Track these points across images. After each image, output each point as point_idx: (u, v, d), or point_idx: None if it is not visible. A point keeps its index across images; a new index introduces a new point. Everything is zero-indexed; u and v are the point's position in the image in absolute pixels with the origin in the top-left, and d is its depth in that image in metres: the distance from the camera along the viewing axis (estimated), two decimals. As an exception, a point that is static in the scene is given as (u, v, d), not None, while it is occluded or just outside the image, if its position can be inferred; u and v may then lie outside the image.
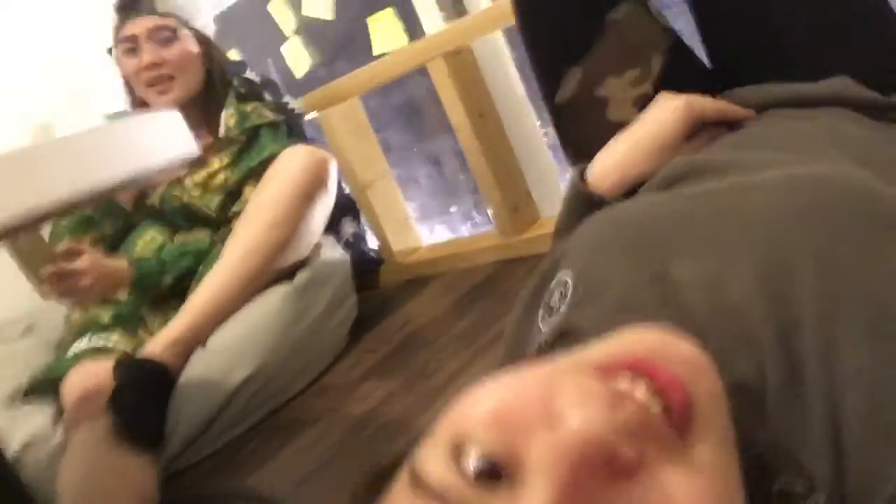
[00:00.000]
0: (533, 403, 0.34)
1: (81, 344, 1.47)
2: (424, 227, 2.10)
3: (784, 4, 0.77)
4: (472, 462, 0.32)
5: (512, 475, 0.32)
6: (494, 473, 0.32)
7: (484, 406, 0.35)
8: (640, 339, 0.37)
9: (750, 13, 0.79)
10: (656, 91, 0.74)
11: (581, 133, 0.84)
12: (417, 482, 0.34)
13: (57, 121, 1.98)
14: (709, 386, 0.35)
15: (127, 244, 1.66)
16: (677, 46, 0.83)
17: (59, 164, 0.51)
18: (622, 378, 0.35)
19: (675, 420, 0.33)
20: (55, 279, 1.36)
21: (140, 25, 1.61)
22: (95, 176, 0.53)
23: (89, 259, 1.40)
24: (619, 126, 0.72)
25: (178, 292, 1.53)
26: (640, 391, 0.34)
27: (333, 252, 1.61)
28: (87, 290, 1.40)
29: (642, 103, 0.73)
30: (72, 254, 1.40)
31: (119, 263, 1.49)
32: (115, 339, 1.49)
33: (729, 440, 0.35)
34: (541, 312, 0.55)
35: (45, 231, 1.62)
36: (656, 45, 0.80)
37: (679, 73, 0.81)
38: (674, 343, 0.37)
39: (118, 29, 1.65)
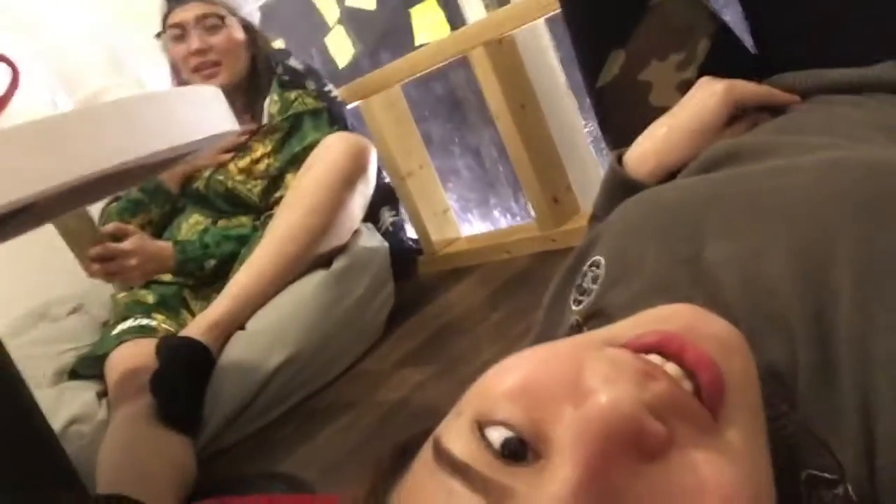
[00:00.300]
0: (559, 377, 0.33)
1: (126, 324, 1.51)
2: (463, 218, 2.10)
3: None
4: (496, 435, 0.32)
5: (538, 450, 0.31)
6: (520, 448, 0.31)
7: (509, 379, 0.34)
8: (671, 316, 0.36)
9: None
10: (701, 76, 0.73)
11: (622, 118, 0.83)
12: (440, 455, 0.33)
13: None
14: (741, 365, 0.34)
15: (172, 227, 1.70)
16: (723, 31, 0.81)
17: (98, 131, 0.52)
18: (652, 356, 0.34)
19: (706, 399, 0.32)
20: (102, 259, 1.40)
21: (188, 12, 1.65)
22: (138, 144, 0.55)
23: (135, 241, 1.44)
24: (661, 111, 0.71)
25: (220, 276, 1.56)
26: (672, 366, 0.33)
27: (372, 240, 1.62)
28: (133, 271, 1.44)
29: (686, 88, 0.72)
30: (118, 235, 1.44)
31: (164, 246, 1.53)
32: (159, 320, 1.53)
33: (760, 422, 0.34)
34: (573, 294, 0.54)
35: (94, 211, 1.67)
36: (701, 28, 0.79)
37: (724, 59, 0.79)
38: (705, 320, 0.36)
39: (167, 15, 1.69)
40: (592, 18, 0.83)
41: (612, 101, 0.84)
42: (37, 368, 1.50)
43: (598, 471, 0.29)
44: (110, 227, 1.47)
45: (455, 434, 0.33)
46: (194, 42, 1.64)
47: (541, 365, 0.34)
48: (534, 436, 0.32)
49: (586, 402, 0.31)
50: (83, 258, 1.40)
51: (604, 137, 0.90)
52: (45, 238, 1.31)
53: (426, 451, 0.35)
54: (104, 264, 1.41)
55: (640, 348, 0.34)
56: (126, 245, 1.43)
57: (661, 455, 0.31)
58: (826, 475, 0.36)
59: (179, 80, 1.75)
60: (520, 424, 0.32)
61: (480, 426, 0.33)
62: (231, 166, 1.67)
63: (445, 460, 0.32)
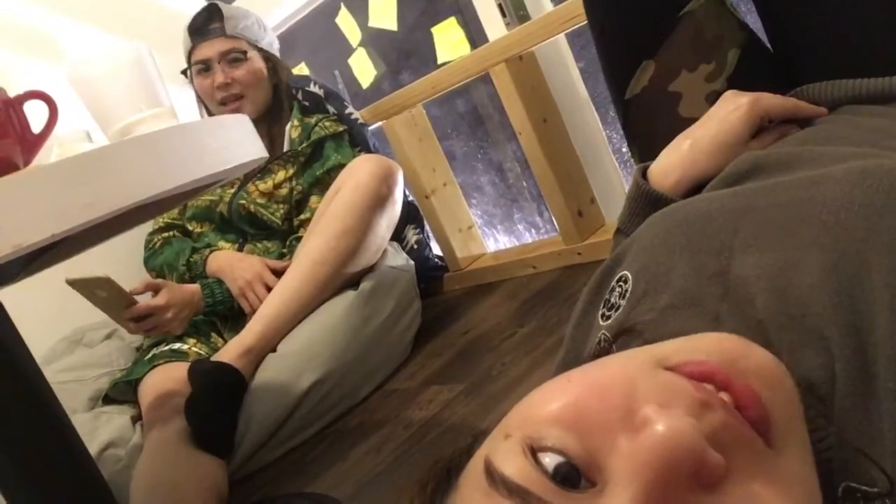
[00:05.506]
0: (611, 403, 0.33)
1: (158, 348, 1.53)
2: (488, 233, 2.11)
3: None
4: (548, 460, 0.32)
5: (592, 479, 0.31)
6: (573, 474, 0.31)
7: (558, 404, 0.34)
8: (714, 347, 0.35)
9: (815, 7, 0.76)
10: (730, 87, 0.72)
11: (650, 129, 0.82)
12: (495, 477, 0.33)
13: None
14: (785, 398, 0.34)
15: (198, 262, 1.72)
16: (752, 42, 0.80)
17: (135, 163, 0.53)
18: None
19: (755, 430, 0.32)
20: (139, 319, 1.43)
21: (212, 48, 1.69)
22: (172, 177, 0.56)
23: (165, 293, 1.47)
24: (689, 122, 0.70)
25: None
26: (725, 395, 0.33)
27: (398, 259, 1.63)
28: (171, 323, 1.47)
29: (714, 99, 0.71)
30: (149, 290, 1.47)
31: (194, 290, 1.56)
32: (191, 344, 1.55)
33: (808, 449, 0.34)
34: (601, 309, 0.54)
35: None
36: (731, 38, 0.78)
37: (754, 68, 0.78)
38: (749, 352, 0.35)
39: (191, 51, 1.73)
40: (622, 30, 0.82)
41: (640, 113, 0.82)
42: (73, 393, 1.52)
43: (657, 502, 0.29)
44: (138, 285, 1.50)
45: (506, 457, 0.33)
46: (219, 76, 1.68)
47: (590, 389, 0.34)
48: (587, 464, 0.31)
49: (643, 431, 0.31)
50: (121, 321, 1.43)
51: (630, 149, 0.89)
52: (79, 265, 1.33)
53: (475, 472, 0.35)
54: (141, 322, 1.44)
55: (690, 377, 0.34)
56: (158, 300, 1.46)
57: (717, 485, 0.30)
58: (865, 488, 0.36)
59: (206, 111, 1.79)
60: (573, 452, 0.32)
61: (533, 450, 0.33)
62: (252, 188, 1.69)
63: (501, 483, 0.32)
